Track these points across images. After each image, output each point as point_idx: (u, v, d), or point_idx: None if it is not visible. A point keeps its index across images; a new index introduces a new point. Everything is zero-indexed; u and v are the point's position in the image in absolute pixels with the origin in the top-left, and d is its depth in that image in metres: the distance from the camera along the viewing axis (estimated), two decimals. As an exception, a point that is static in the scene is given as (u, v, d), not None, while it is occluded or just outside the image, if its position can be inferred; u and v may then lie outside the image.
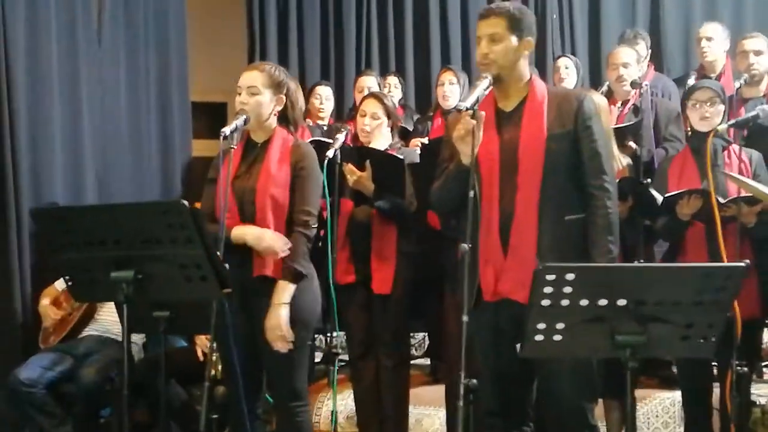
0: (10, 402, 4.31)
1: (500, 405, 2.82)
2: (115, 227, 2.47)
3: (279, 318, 3.08)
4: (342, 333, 4.47)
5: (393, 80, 5.59)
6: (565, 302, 2.17)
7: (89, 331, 4.45)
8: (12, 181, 4.57)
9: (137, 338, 4.44)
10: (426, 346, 5.34)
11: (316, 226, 3.28)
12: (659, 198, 3.41)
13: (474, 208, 2.64)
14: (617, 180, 3.52)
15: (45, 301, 4.47)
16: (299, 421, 3.22)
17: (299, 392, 3.20)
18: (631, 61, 4.53)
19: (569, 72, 5.20)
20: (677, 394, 3.82)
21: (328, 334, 4.03)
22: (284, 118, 3.27)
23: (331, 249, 3.81)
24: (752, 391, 3.60)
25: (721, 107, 3.55)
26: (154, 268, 2.49)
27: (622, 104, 4.59)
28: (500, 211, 2.74)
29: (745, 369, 2.96)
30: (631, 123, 4.22)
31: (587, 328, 2.20)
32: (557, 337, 2.23)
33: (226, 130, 2.95)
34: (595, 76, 5.91)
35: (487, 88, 2.74)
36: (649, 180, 3.76)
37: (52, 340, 4.44)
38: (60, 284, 4.41)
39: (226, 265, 2.62)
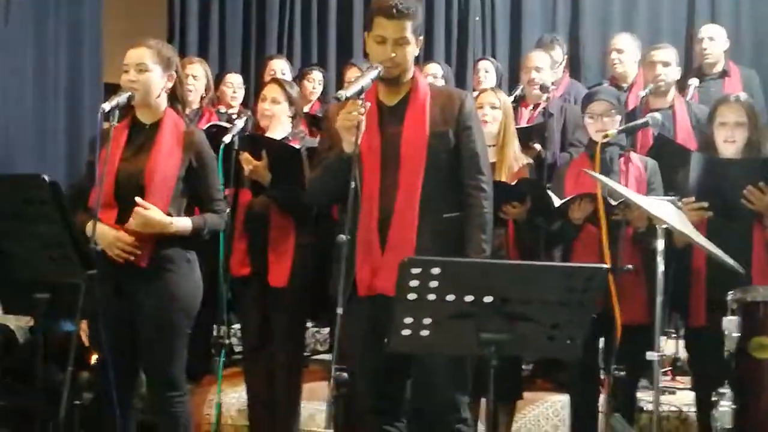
0: None
1: (376, 401, 2.78)
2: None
3: (157, 222, 2.95)
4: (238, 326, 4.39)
5: (317, 75, 5.49)
6: (431, 297, 2.14)
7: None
8: None
9: (23, 322, 4.25)
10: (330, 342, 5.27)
11: (227, 211, 3.25)
12: (557, 201, 3.41)
13: (354, 199, 2.59)
14: (516, 181, 3.54)
15: None
16: (176, 412, 3.13)
17: (176, 382, 3.11)
18: (543, 65, 4.55)
19: (488, 75, 5.21)
20: (567, 398, 3.82)
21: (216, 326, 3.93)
22: (173, 98, 3.16)
23: (224, 238, 3.70)
24: (643, 397, 3.65)
25: (618, 117, 3.58)
26: (14, 245, 2.38)
27: (533, 107, 4.61)
28: (380, 207, 2.72)
29: (623, 374, 2.95)
30: (536, 124, 4.23)
31: (454, 324, 2.17)
32: (424, 332, 2.20)
33: (106, 106, 2.84)
34: (514, 79, 5.92)
35: (374, 79, 2.69)
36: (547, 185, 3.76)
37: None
38: None
39: (95, 246, 2.52)
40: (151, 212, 2.95)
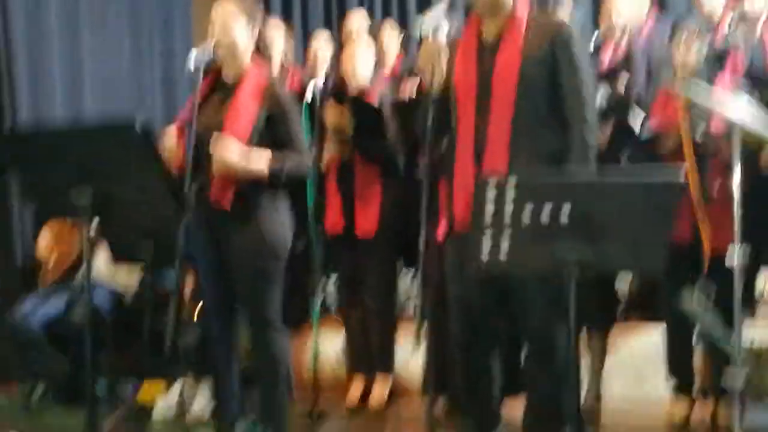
0: (10, 341, 4.43)
1: (470, 335, 2.79)
2: (74, 149, 2.49)
3: (236, 155, 3.01)
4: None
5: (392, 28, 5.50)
6: (508, 216, 2.16)
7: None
8: (11, 122, 4.65)
9: (131, 281, 4.48)
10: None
11: (310, 163, 3.29)
12: (641, 115, 3.35)
13: (439, 134, 2.64)
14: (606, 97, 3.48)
15: (42, 242, 4.55)
16: (275, 352, 3.25)
17: (271, 320, 3.22)
18: (623, 7, 4.44)
19: (565, 9, 5.10)
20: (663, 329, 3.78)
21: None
22: (256, 54, 3.24)
23: (312, 191, 3.81)
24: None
25: (705, 42, 3.49)
26: (113, 189, 2.52)
27: (615, 46, 4.51)
28: (475, 139, 2.68)
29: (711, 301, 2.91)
30: (620, 62, 4.16)
31: (533, 242, 2.19)
32: (504, 253, 2.22)
33: (192, 61, 2.95)
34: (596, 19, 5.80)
35: (447, 11, 2.70)
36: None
37: (49, 280, 4.53)
38: (60, 223, 4.48)
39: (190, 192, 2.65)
40: (230, 144, 3.02)
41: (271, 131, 3.14)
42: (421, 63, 2.69)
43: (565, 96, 2.64)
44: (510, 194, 2.13)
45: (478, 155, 2.66)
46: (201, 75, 3.01)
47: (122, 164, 2.46)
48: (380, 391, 4.18)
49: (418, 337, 2.56)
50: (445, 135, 2.75)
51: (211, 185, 3.06)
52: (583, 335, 3.76)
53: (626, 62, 4.19)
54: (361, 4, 6.44)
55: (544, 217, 2.15)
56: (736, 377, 2.35)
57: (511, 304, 2.74)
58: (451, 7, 2.75)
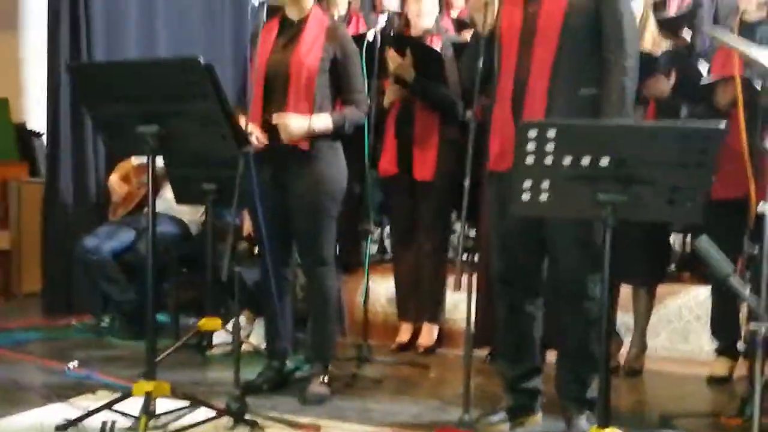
0: (81, 269, 4.69)
1: (510, 273, 2.90)
2: (140, 84, 2.65)
3: (298, 126, 3.19)
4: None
5: None
6: (548, 160, 2.23)
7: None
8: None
9: (195, 215, 4.68)
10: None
11: (369, 104, 3.41)
12: (705, 67, 3.34)
13: (487, 78, 2.71)
14: (661, 52, 3.48)
15: (114, 177, 4.77)
16: (327, 286, 3.41)
17: (325, 258, 3.37)
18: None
19: None
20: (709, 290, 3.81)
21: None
22: None
23: (368, 132, 3.91)
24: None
25: None
26: (177, 123, 2.67)
27: (682, -4, 4.46)
28: (514, 83, 2.76)
29: (756, 252, 2.92)
30: (684, 12, 4.11)
31: (571, 186, 2.25)
32: (544, 196, 2.29)
33: (255, 0, 3.07)
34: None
35: None
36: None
37: (119, 213, 4.75)
38: (135, 160, 4.69)
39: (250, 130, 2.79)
40: (289, 119, 3.18)
41: (334, 71, 3.29)
42: (472, 9, 2.74)
43: (607, 44, 2.70)
44: (551, 140, 2.19)
45: (519, 99, 2.74)
46: (263, 11, 3.14)
47: (186, 100, 2.61)
48: (427, 337, 4.29)
49: (458, 282, 2.65)
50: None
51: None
52: (630, 289, 3.82)
53: (692, 13, 4.15)
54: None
55: (584, 162, 2.21)
56: (757, 331, 2.38)
57: (549, 249, 2.82)
58: None
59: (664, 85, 3.50)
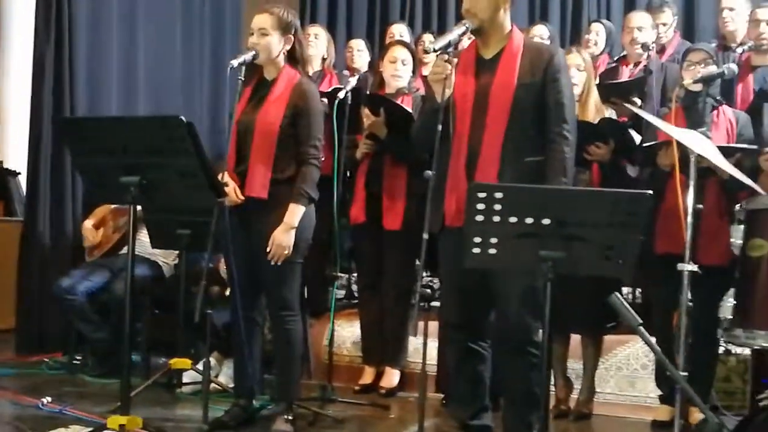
0: (56, 308, 4.84)
1: (461, 319, 3.13)
2: (124, 137, 2.86)
3: (288, 238, 3.45)
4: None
5: (428, 38, 5.84)
6: (496, 218, 2.47)
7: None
8: (69, 114, 5.06)
9: (170, 258, 4.87)
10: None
11: (323, 157, 3.64)
12: (638, 138, 3.62)
13: (443, 141, 2.96)
14: (598, 120, 3.78)
15: (88, 223, 4.95)
16: (289, 329, 3.60)
17: (290, 303, 3.57)
18: (645, 25, 4.72)
19: (599, 37, 5.38)
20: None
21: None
22: (291, 58, 3.61)
23: (337, 183, 4.13)
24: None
25: (713, 68, 3.73)
26: (158, 174, 2.88)
27: (634, 65, 4.80)
28: (468, 147, 3.03)
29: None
30: (635, 79, 4.43)
31: (517, 242, 2.50)
32: (492, 250, 2.54)
33: (234, 62, 3.33)
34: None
35: (462, 34, 3.03)
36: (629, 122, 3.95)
37: (94, 255, 4.92)
38: (111, 205, 4.87)
39: (226, 181, 3.02)
40: (277, 240, 3.44)
41: (296, 124, 3.51)
42: (431, 80, 3.01)
43: (550, 117, 3.00)
44: (498, 201, 2.43)
45: (472, 163, 3.01)
46: (241, 71, 3.39)
47: (167, 154, 2.83)
48: (389, 380, 4.48)
49: (415, 327, 2.87)
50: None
51: (248, 176, 3.44)
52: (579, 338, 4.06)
53: (642, 80, 4.48)
54: (402, 17, 6.80)
55: (528, 221, 2.46)
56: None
57: (497, 299, 3.05)
58: (465, 33, 3.06)
59: (602, 150, 3.78)
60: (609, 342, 4.19)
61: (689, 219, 2.85)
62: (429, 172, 2.91)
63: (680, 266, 2.85)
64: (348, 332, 4.83)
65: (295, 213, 3.47)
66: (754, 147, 3.47)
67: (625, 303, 2.31)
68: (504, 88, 3.01)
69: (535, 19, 6.45)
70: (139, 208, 3.87)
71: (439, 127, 2.92)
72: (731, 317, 2.42)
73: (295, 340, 3.63)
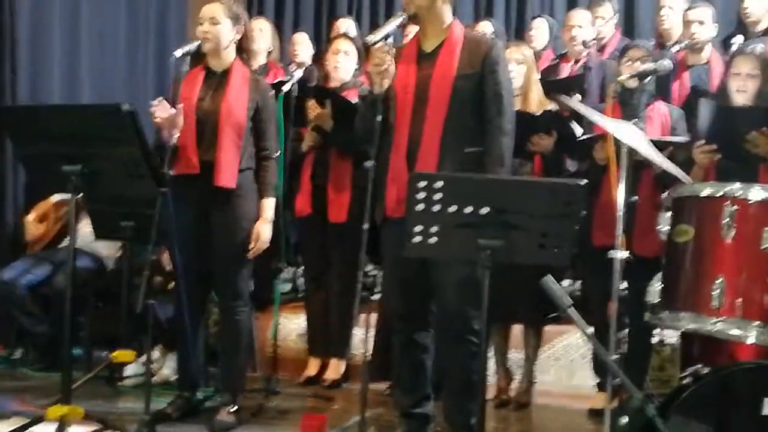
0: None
1: (405, 309, 3.18)
2: (66, 126, 2.84)
3: (269, 233, 3.58)
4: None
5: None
6: (436, 207, 2.52)
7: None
8: (11, 103, 4.98)
9: (113, 250, 4.82)
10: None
11: (279, 152, 3.74)
12: (579, 130, 3.71)
13: (384, 131, 3.01)
14: (540, 112, 3.86)
15: (30, 217, 4.89)
16: (238, 320, 3.63)
17: (241, 293, 3.61)
18: (584, 23, 4.84)
19: (540, 32, 5.48)
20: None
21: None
22: (240, 50, 3.62)
23: (282, 174, 4.14)
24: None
25: (650, 65, 3.83)
26: (100, 163, 2.87)
27: (574, 62, 4.90)
28: (409, 137, 3.09)
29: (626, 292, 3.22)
30: (574, 75, 4.53)
31: (457, 231, 2.54)
32: (432, 240, 2.58)
33: (178, 52, 3.33)
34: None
35: (399, 24, 3.08)
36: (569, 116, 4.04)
37: (36, 248, 4.86)
38: (56, 197, 4.82)
39: (170, 171, 3.03)
40: (261, 235, 3.57)
41: (255, 119, 3.59)
42: (372, 70, 3.05)
43: (489, 108, 3.07)
44: (438, 190, 2.48)
45: (413, 153, 3.06)
46: (186, 62, 3.39)
47: (109, 142, 2.81)
48: (333, 371, 4.51)
49: (357, 318, 2.91)
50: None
51: (217, 166, 3.47)
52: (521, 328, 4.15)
53: (581, 77, 4.58)
54: (350, 12, 6.82)
55: (467, 210, 2.51)
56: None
57: (436, 289, 3.11)
58: (403, 24, 3.12)
59: (545, 141, 3.87)
60: (549, 332, 4.28)
61: (620, 209, 2.92)
62: (369, 163, 2.95)
63: (611, 254, 2.94)
64: (294, 325, 4.86)
65: (270, 206, 3.60)
66: (686, 140, 3.58)
67: (557, 285, 2.37)
68: (443, 79, 3.06)
69: (480, 16, 6.54)
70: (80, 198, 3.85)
71: (379, 118, 2.97)
72: (658, 300, 2.50)
73: (243, 331, 3.65)
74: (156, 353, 4.35)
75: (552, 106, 4.09)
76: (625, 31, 5.97)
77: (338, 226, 4.46)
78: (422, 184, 2.48)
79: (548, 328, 4.23)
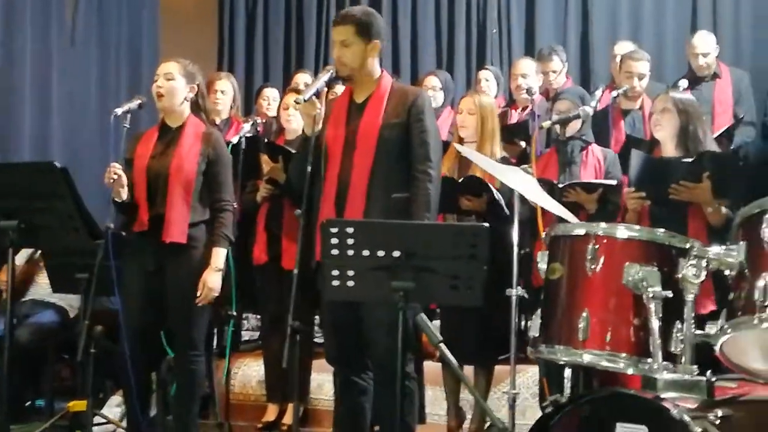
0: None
1: (340, 353, 3.28)
2: (3, 183, 2.97)
3: (217, 280, 3.65)
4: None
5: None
6: (350, 252, 2.63)
7: (29, 294, 4.92)
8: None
9: (72, 301, 4.90)
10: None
11: (236, 204, 3.85)
12: (499, 197, 3.80)
13: (313, 180, 3.13)
14: (462, 178, 3.95)
15: None
16: (193, 369, 3.72)
17: (196, 343, 3.70)
18: (529, 71, 5.01)
19: (489, 83, 5.62)
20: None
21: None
22: (196, 107, 3.76)
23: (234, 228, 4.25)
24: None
25: (573, 112, 3.94)
26: (37, 218, 2.99)
27: (522, 109, 5.06)
28: (338, 185, 3.22)
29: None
30: (519, 122, 4.67)
31: (372, 274, 2.64)
32: (350, 283, 2.68)
33: (118, 110, 3.47)
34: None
35: (328, 80, 3.23)
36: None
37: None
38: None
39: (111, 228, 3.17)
40: (209, 284, 3.63)
41: (207, 172, 3.69)
42: (303, 112, 3.20)
43: (415, 155, 3.20)
44: (350, 235, 2.59)
45: (341, 200, 3.19)
46: (126, 119, 3.53)
47: (44, 198, 2.94)
48: (291, 416, 4.56)
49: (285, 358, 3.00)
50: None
51: (166, 222, 3.58)
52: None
53: (525, 123, 4.73)
54: (317, 64, 7.03)
55: (379, 254, 2.62)
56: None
57: (365, 332, 3.21)
58: (334, 79, 3.28)
59: (473, 203, 3.82)
60: (500, 372, 4.34)
61: (515, 249, 3.05)
62: (299, 211, 3.07)
63: (508, 291, 3.05)
64: (254, 371, 4.92)
65: (220, 256, 3.66)
66: (614, 182, 3.70)
67: (429, 322, 2.47)
68: (370, 127, 3.21)
69: (442, 65, 6.73)
70: (39, 253, 3.98)
71: (309, 167, 3.09)
72: (538, 335, 2.60)
73: (198, 380, 3.74)
74: (118, 398, 4.41)
75: (500, 154, 4.13)
76: (580, 77, 6.16)
77: (292, 272, 4.55)
78: (334, 230, 2.60)
79: (500, 368, 4.30)
